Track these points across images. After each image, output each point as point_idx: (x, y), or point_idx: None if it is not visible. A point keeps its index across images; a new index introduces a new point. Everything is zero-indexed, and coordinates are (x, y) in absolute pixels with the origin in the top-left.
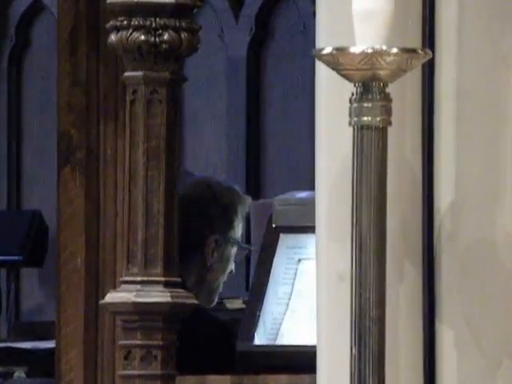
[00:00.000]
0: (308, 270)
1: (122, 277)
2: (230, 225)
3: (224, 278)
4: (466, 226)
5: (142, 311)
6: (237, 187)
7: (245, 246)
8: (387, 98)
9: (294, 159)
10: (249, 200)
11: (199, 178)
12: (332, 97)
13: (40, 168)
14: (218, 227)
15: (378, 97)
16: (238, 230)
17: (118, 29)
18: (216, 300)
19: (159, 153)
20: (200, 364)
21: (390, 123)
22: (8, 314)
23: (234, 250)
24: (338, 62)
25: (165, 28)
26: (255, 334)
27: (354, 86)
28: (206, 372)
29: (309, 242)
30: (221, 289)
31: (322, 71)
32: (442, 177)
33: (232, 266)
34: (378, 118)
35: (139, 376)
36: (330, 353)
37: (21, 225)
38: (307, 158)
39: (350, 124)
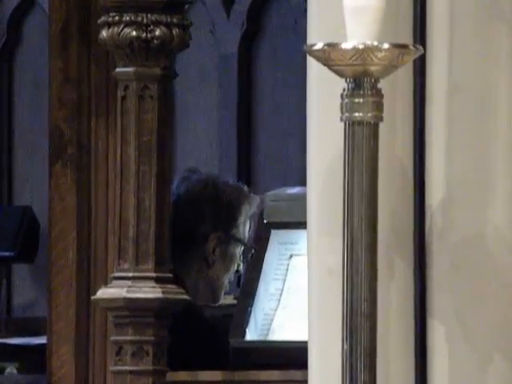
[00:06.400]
0: (300, 265)
1: (113, 272)
2: (233, 223)
3: (228, 276)
4: (457, 221)
5: (134, 307)
6: (245, 187)
7: (247, 244)
8: (379, 94)
9: (285, 155)
10: (257, 200)
11: (205, 176)
12: (323, 92)
13: (31, 163)
14: (221, 225)
15: (370, 93)
16: (244, 229)
17: (109, 25)
18: (221, 298)
19: (150, 148)
20: (190, 364)
21: (381, 119)
22: None
23: (239, 249)
24: (330, 57)
25: (156, 24)
26: (247, 330)
27: (346, 81)
28: (198, 368)
29: (300, 238)
30: (227, 288)
31: (314, 67)
32: (433, 172)
33: (239, 265)
34: (370, 114)
35: (131, 372)
36: (321, 348)
37: (12, 220)
38: (298, 154)
39: (341, 120)
